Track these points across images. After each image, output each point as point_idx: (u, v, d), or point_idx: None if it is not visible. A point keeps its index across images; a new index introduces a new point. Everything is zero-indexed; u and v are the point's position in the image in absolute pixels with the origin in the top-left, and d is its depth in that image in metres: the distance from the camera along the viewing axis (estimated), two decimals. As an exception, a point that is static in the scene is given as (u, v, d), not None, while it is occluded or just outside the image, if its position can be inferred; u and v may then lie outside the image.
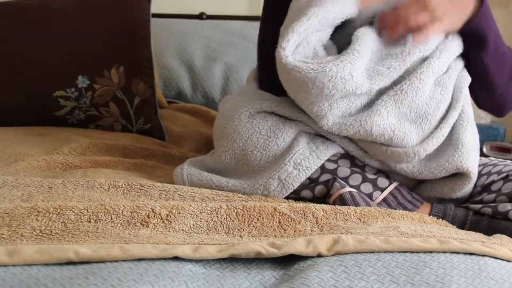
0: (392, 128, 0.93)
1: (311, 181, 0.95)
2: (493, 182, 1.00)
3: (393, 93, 0.94)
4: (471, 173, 0.96)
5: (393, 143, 0.94)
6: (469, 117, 1.01)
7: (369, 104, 0.96)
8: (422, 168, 0.96)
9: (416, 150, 0.94)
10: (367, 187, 0.95)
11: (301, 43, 0.94)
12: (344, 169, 0.96)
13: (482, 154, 1.87)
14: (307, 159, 0.94)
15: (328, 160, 0.96)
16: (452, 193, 0.99)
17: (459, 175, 0.98)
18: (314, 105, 0.92)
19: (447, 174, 0.96)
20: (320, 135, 1.00)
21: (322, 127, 0.94)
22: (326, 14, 0.96)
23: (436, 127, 0.97)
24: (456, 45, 1.01)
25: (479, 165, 1.06)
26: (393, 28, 0.95)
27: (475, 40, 1.02)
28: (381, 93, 0.96)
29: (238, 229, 0.78)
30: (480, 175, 1.04)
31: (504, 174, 0.99)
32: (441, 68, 0.98)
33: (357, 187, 0.94)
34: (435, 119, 0.96)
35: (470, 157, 0.96)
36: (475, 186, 1.03)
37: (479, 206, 0.96)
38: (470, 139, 0.98)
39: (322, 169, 0.95)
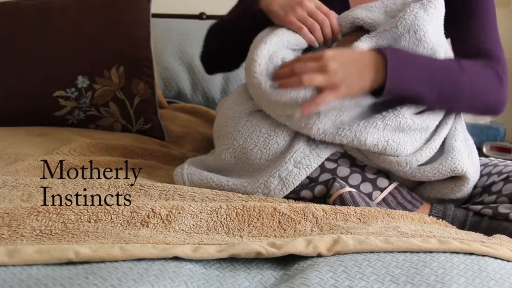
0: (386, 138, 0.93)
1: (311, 181, 0.95)
2: (493, 183, 1.00)
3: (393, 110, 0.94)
4: (468, 174, 0.96)
5: (387, 152, 0.94)
6: (458, 126, 1.02)
7: (365, 115, 0.95)
8: (416, 171, 0.96)
9: (409, 160, 0.94)
10: (366, 187, 0.95)
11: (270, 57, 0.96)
12: (343, 169, 0.96)
13: (482, 154, 1.87)
14: (307, 158, 0.94)
15: (328, 159, 0.96)
16: (451, 194, 0.99)
17: (457, 178, 0.98)
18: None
19: (442, 177, 0.96)
20: None
21: (313, 137, 0.94)
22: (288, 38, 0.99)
23: (429, 139, 0.98)
24: None
25: (480, 165, 1.06)
26: (286, 83, 0.90)
27: (406, 100, 0.94)
28: (377, 107, 0.96)
29: (238, 229, 0.78)
30: (480, 175, 1.04)
31: (505, 175, 0.99)
32: None
33: (357, 187, 0.95)
34: (427, 132, 0.97)
35: (462, 158, 0.96)
36: (475, 187, 1.03)
37: (479, 207, 0.96)
38: (461, 143, 0.98)
39: (322, 168, 0.95)
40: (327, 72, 0.87)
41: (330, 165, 0.96)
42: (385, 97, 0.92)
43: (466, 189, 0.98)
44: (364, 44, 0.97)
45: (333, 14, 1.03)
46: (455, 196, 0.99)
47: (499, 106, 1.02)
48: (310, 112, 0.90)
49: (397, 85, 0.90)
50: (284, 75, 0.91)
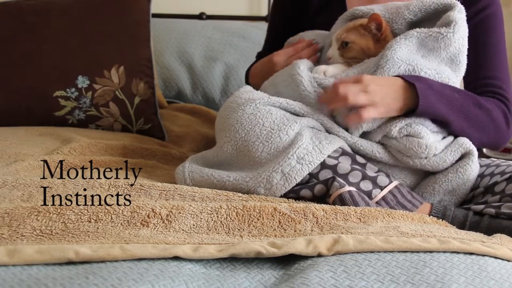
0: (409, 123, 1.01)
1: (311, 177, 0.96)
2: (496, 183, 1.00)
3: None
4: (473, 148, 1.01)
5: (411, 133, 1.00)
6: None
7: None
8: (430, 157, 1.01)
9: (429, 144, 0.99)
10: (366, 185, 0.95)
11: None
12: (344, 166, 0.96)
13: (483, 155, 1.87)
14: (310, 154, 0.94)
15: (329, 156, 0.97)
16: (457, 177, 1.01)
17: (461, 157, 1.02)
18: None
19: (453, 157, 1.00)
20: (325, 130, 1.04)
21: (356, 135, 1.03)
22: None
23: (446, 137, 1.04)
24: None
25: (482, 166, 1.07)
26: (331, 102, 1.01)
27: (435, 120, 1.03)
28: None
29: (238, 229, 0.78)
30: (483, 176, 1.04)
31: (507, 175, 0.99)
32: None
33: (357, 184, 0.95)
34: (444, 132, 1.05)
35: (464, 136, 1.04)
36: (478, 186, 1.03)
37: (482, 207, 0.95)
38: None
39: (323, 164, 0.96)
40: (369, 92, 0.98)
41: (331, 162, 0.96)
42: (418, 116, 1.01)
43: (471, 169, 1.01)
44: (412, 38, 1.03)
45: (305, 50, 1.20)
46: (460, 179, 1.01)
47: (502, 143, 1.13)
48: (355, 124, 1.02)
49: (427, 104, 0.99)
50: (329, 97, 1.02)
